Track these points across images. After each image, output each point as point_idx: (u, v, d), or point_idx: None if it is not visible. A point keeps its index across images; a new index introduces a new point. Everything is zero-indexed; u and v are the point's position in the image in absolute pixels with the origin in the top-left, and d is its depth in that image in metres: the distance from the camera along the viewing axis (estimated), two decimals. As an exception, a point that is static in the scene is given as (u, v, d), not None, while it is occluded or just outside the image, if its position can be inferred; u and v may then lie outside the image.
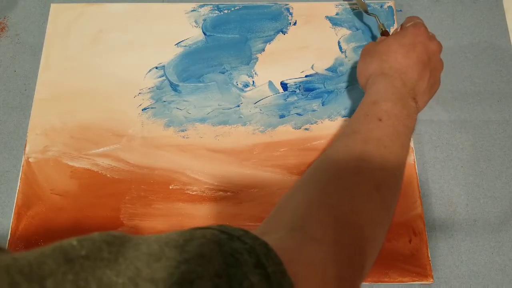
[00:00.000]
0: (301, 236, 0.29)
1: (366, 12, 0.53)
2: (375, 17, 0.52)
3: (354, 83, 0.54)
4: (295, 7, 0.57)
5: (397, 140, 0.37)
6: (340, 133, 0.40)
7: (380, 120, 0.37)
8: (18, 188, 0.49)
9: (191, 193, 0.49)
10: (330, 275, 0.28)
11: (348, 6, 0.57)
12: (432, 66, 0.42)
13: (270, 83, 0.54)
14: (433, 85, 0.44)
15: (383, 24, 0.51)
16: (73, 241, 0.21)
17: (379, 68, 0.42)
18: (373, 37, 0.56)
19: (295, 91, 0.53)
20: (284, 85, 0.54)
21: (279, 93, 0.53)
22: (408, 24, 0.45)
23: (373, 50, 0.44)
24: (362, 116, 0.39)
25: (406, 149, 0.38)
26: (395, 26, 0.56)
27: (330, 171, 0.36)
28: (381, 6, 0.57)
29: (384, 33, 0.51)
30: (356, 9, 0.57)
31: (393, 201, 0.36)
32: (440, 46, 0.44)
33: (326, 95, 0.53)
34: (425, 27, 0.44)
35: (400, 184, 0.37)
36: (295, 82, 0.54)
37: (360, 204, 0.33)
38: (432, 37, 0.44)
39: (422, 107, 0.44)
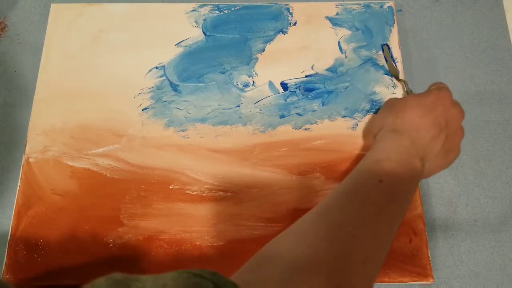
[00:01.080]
0: None
1: (397, 78, 0.52)
2: (404, 82, 0.52)
3: (354, 83, 0.54)
4: (295, 7, 0.57)
5: (393, 205, 0.36)
6: (339, 186, 0.38)
7: (380, 181, 0.36)
8: (18, 188, 0.49)
9: (191, 193, 0.49)
10: None
11: (348, 6, 0.57)
12: (449, 132, 0.41)
13: (270, 83, 0.54)
14: (449, 152, 0.42)
15: (411, 90, 0.51)
16: None
17: (392, 123, 0.41)
18: (373, 37, 0.56)
19: (295, 91, 0.53)
20: (284, 85, 0.54)
21: (279, 93, 0.53)
22: (433, 87, 0.44)
23: (392, 104, 0.44)
24: (364, 173, 0.38)
25: (401, 215, 0.37)
26: (395, 26, 0.56)
27: (322, 230, 0.34)
28: (381, 6, 0.57)
29: None
30: (357, 9, 0.57)
31: (375, 274, 0.35)
32: (462, 113, 0.42)
33: (326, 95, 0.53)
34: (449, 92, 0.43)
35: (386, 255, 0.36)
36: (295, 82, 0.54)
37: (348, 277, 0.32)
38: (455, 103, 0.43)
39: (432, 172, 0.42)
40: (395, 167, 0.37)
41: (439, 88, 0.43)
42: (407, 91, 0.50)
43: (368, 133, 0.49)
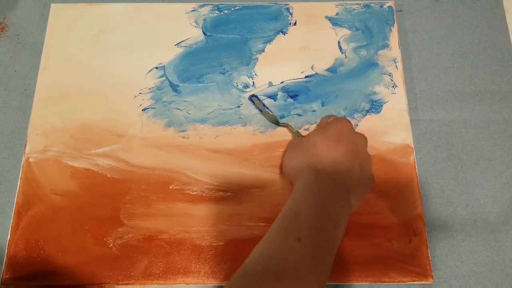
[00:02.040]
0: None
1: (277, 123, 0.50)
2: (287, 127, 0.49)
3: (354, 83, 0.54)
4: (295, 7, 0.57)
5: (315, 266, 0.32)
6: (257, 247, 0.34)
7: (298, 240, 0.32)
8: (18, 188, 0.49)
9: (191, 193, 0.49)
10: None
11: (348, 6, 0.57)
12: (361, 159, 0.40)
13: (270, 84, 0.54)
14: (366, 178, 0.41)
15: (297, 131, 0.49)
16: None
17: (307, 162, 0.39)
18: (373, 37, 0.56)
19: (295, 92, 0.53)
20: (284, 86, 0.54)
21: (279, 93, 0.53)
22: (330, 119, 0.43)
23: (298, 144, 0.42)
24: (281, 232, 0.34)
25: (326, 274, 0.34)
26: (395, 26, 0.56)
27: None
28: (381, 6, 0.57)
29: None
30: (357, 9, 0.57)
31: None
32: (364, 138, 0.42)
33: (326, 95, 0.53)
34: (348, 122, 0.42)
35: None
36: (295, 82, 0.54)
37: None
38: (355, 131, 0.42)
39: (358, 203, 0.40)
40: (316, 219, 0.34)
41: (336, 120, 0.42)
42: (296, 134, 0.48)
43: (283, 177, 0.45)
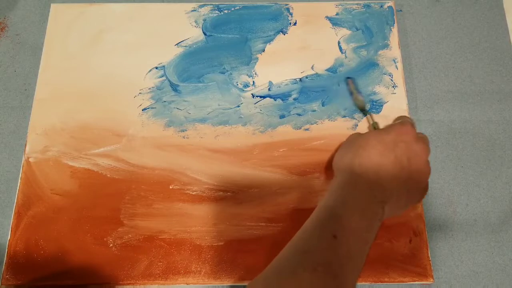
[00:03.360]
0: None
1: (363, 110, 0.49)
2: (369, 114, 0.49)
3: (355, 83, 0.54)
4: (295, 7, 0.57)
5: (348, 264, 0.33)
6: (291, 243, 0.34)
7: (334, 237, 0.33)
8: (18, 188, 0.49)
9: (191, 193, 0.49)
10: None
11: (348, 6, 0.57)
12: (413, 169, 0.38)
13: (270, 84, 0.54)
14: (413, 191, 0.39)
15: (376, 123, 0.48)
16: None
17: (350, 163, 0.38)
18: (373, 37, 0.56)
19: (295, 92, 0.53)
20: (284, 86, 0.54)
21: (279, 93, 0.53)
22: (397, 122, 0.42)
23: (353, 141, 0.41)
24: (317, 229, 0.35)
25: (357, 273, 0.35)
26: (395, 26, 0.56)
27: None
28: (381, 6, 0.57)
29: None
30: (356, 9, 0.57)
31: None
32: (427, 149, 0.40)
33: (326, 95, 0.53)
34: (413, 127, 0.40)
35: None
36: (295, 82, 0.54)
37: None
38: (420, 139, 0.40)
39: (395, 213, 0.39)
40: (350, 217, 0.34)
41: (402, 123, 0.41)
42: (372, 124, 0.48)
43: (333, 168, 0.44)
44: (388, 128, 0.41)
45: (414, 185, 0.39)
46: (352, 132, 0.51)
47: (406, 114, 0.52)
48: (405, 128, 0.40)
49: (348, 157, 0.39)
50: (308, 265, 0.32)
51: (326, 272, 0.31)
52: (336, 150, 0.45)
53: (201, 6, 0.57)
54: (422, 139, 0.40)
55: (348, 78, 0.48)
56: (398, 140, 0.39)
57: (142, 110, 0.52)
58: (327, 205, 0.36)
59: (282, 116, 0.52)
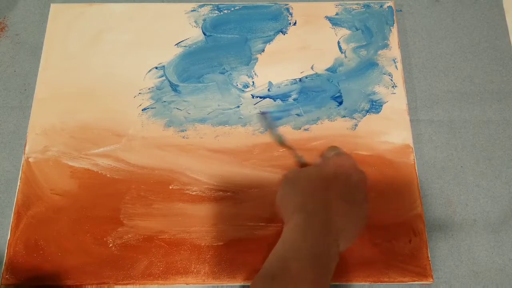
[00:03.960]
0: None
1: (282, 144, 0.47)
2: (291, 149, 0.47)
3: (354, 83, 0.54)
4: (295, 7, 0.57)
5: None
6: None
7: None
8: (18, 188, 0.49)
9: (191, 193, 0.49)
10: None
11: (348, 6, 0.57)
12: (356, 198, 0.39)
13: (270, 84, 0.54)
14: (361, 218, 0.39)
15: (301, 156, 0.46)
16: None
17: (297, 204, 0.37)
18: (373, 37, 0.56)
19: (295, 92, 0.53)
20: (283, 86, 0.54)
21: (279, 93, 0.53)
22: (331, 154, 0.42)
23: (295, 179, 0.40)
24: (268, 278, 0.33)
25: None
26: (395, 26, 0.56)
27: None
28: (380, 6, 0.57)
29: (303, 166, 0.46)
30: (356, 9, 0.57)
31: None
32: (364, 176, 0.40)
33: (326, 95, 0.53)
34: (349, 156, 0.40)
35: None
36: (294, 82, 0.54)
37: None
38: (355, 165, 0.40)
39: (346, 247, 0.38)
40: (304, 268, 0.33)
41: (337, 154, 0.41)
42: (297, 158, 0.46)
43: (277, 211, 0.42)
44: (325, 161, 0.40)
45: (360, 213, 0.39)
46: (351, 131, 0.51)
47: (406, 114, 0.52)
48: (342, 160, 0.40)
49: (295, 199, 0.38)
50: None
51: None
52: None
53: (201, 6, 0.57)
54: (356, 165, 0.41)
55: (263, 112, 0.45)
56: (338, 173, 0.39)
57: (142, 110, 0.52)
58: (279, 255, 0.34)
59: (281, 117, 0.52)
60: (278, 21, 0.57)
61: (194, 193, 0.49)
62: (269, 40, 0.56)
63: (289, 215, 0.37)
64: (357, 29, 0.56)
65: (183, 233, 0.47)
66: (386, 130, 0.51)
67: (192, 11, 0.57)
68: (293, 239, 0.35)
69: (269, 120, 0.44)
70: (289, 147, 0.45)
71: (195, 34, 0.56)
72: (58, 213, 0.48)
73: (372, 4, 0.57)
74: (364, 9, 0.57)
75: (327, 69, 0.54)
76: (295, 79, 0.54)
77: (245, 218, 0.48)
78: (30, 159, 0.50)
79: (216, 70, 0.54)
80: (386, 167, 0.50)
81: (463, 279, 0.47)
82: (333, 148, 0.42)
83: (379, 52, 0.55)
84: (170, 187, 0.49)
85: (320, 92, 0.53)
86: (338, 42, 0.56)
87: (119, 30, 0.56)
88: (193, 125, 0.52)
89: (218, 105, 0.53)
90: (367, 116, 0.52)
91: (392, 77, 0.54)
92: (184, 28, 0.56)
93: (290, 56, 0.55)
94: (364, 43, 0.56)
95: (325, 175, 0.38)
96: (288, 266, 0.33)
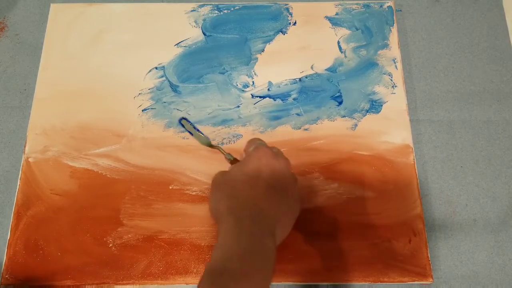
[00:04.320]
0: None
1: (210, 145, 0.46)
2: (218, 149, 0.46)
3: (354, 83, 0.54)
4: (295, 7, 0.57)
5: None
6: None
7: None
8: (18, 188, 0.49)
9: (191, 193, 0.49)
10: None
11: (348, 6, 0.57)
12: (284, 186, 0.38)
13: (270, 84, 0.54)
14: (293, 204, 0.40)
15: (229, 154, 0.45)
16: None
17: (227, 207, 0.37)
18: (373, 37, 0.56)
19: (295, 92, 0.53)
20: (283, 86, 0.54)
21: (278, 93, 0.53)
22: (250, 149, 0.41)
23: (220, 183, 0.40)
24: (209, 285, 0.33)
25: None
26: (395, 26, 0.56)
27: None
28: (380, 6, 0.57)
29: (233, 162, 0.45)
30: (356, 9, 0.57)
31: None
32: (286, 161, 0.40)
33: (326, 95, 0.53)
34: (267, 147, 0.40)
35: None
36: (294, 82, 0.54)
37: None
38: (277, 154, 0.40)
39: (285, 235, 0.39)
40: (242, 267, 0.33)
41: (256, 148, 0.40)
42: (227, 157, 0.46)
43: (212, 217, 0.42)
44: (246, 158, 0.40)
45: (291, 198, 0.39)
46: (351, 131, 0.51)
47: (406, 114, 0.52)
48: (262, 151, 0.39)
49: (224, 201, 0.38)
50: None
51: None
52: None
53: (200, 6, 0.57)
54: (278, 154, 0.40)
55: (182, 119, 0.45)
56: (259, 166, 0.38)
57: (142, 110, 0.52)
58: (215, 260, 0.34)
59: (281, 116, 0.52)
60: (278, 21, 0.57)
61: (194, 193, 0.49)
62: (269, 40, 0.56)
63: (220, 219, 0.37)
64: (357, 29, 0.56)
65: (183, 233, 0.47)
66: (386, 130, 0.51)
67: (192, 11, 0.57)
68: (227, 244, 0.35)
69: (190, 125, 0.44)
70: (217, 147, 0.45)
71: (195, 34, 0.56)
72: (58, 213, 0.48)
73: (372, 4, 0.57)
74: (364, 9, 0.57)
75: (327, 69, 0.54)
76: (295, 79, 0.54)
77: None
78: (30, 159, 0.50)
79: (216, 70, 0.54)
80: (386, 167, 0.50)
81: (463, 279, 0.47)
82: (253, 141, 0.42)
83: (379, 52, 0.55)
84: (170, 187, 0.49)
85: (320, 92, 0.53)
86: (338, 42, 0.56)
87: (119, 30, 0.56)
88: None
89: (218, 105, 0.53)
90: (367, 116, 0.52)
91: (392, 77, 0.54)
92: (184, 28, 0.56)
93: (290, 56, 0.55)
94: (364, 43, 0.56)
95: (248, 171, 0.38)
96: (225, 269, 0.33)
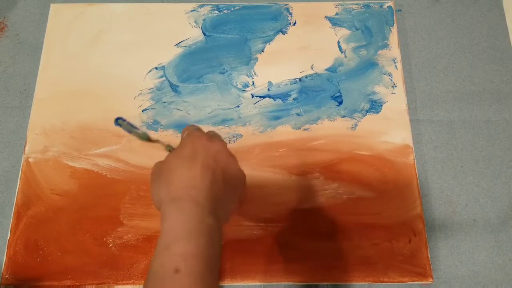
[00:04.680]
0: None
1: (149, 140, 0.45)
2: (158, 142, 0.45)
3: (354, 83, 0.54)
4: (295, 7, 0.57)
5: (201, 286, 0.33)
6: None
7: (177, 271, 0.33)
8: (18, 188, 0.49)
9: (191, 193, 0.49)
10: None
11: (348, 6, 0.57)
12: (222, 166, 0.39)
13: (270, 84, 0.54)
14: (234, 183, 0.40)
15: (168, 145, 0.44)
16: None
17: (167, 192, 0.37)
18: (373, 37, 0.56)
19: (295, 92, 0.53)
20: (283, 86, 0.54)
21: (278, 93, 0.53)
22: (184, 135, 0.42)
23: (158, 172, 0.40)
24: (158, 269, 0.34)
25: (215, 286, 0.35)
26: (395, 26, 0.56)
27: None
28: (380, 6, 0.57)
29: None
30: (356, 9, 0.57)
31: None
32: (222, 143, 0.40)
33: (326, 95, 0.53)
34: (200, 130, 0.41)
35: None
36: (294, 82, 0.54)
37: None
38: (212, 136, 0.40)
39: (230, 212, 0.39)
40: (186, 244, 0.34)
41: (189, 133, 0.41)
42: (167, 148, 0.45)
43: (154, 205, 0.42)
44: (181, 143, 0.40)
45: (231, 177, 0.39)
46: (351, 131, 0.51)
47: (406, 114, 0.52)
48: (195, 135, 0.40)
49: (163, 189, 0.38)
50: None
51: None
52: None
53: (200, 6, 0.57)
54: (215, 137, 0.41)
55: (118, 119, 0.44)
56: (195, 148, 0.38)
57: (142, 111, 0.52)
58: (162, 243, 0.35)
59: (281, 116, 0.52)
60: (278, 21, 0.57)
61: (194, 193, 0.49)
62: (269, 40, 0.56)
63: (162, 207, 0.38)
64: (357, 29, 0.56)
65: (183, 233, 0.47)
66: (386, 130, 0.51)
67: (192, 11, 0.57)
68: (170, 225, 0.36)
69: (126, 124, 0.44)
70: (156, 141, 0.45)
71: (195, 34, 0.56)
72: (58, 213, 0.48)
73: (372, 4, 0.57)
74: (364, 9, 0.57)
75: (327, 69, 0.54)
76: (295, 79, 0.54)
77: (244, 218, 0.48)
78: (30, 159, 0.50)
79: (216, 70, 0.54)
80: (386, 167, 0.50)
81: (463, 279, 0.47)
82: (186, 128, 0.42)
83: (379, 52, 0.55)
84: (170, 187, 0.49)
85: (320, 91, 0.53)
86: (338, 42, 0.56)
87: (119, 30, 0.56)
88: (193, 125, 0.52)
89: (218, 105, 0.53)
90: (367, 116, 0.52)
91: (392, 77, 0.54)
92: (184, 28, 0.56)
93: (290, 56, 0.55)
94: (364, 43, 0.56)
95: (183, 155, 0.38)
96: (171, 249, 0.34)
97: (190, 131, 0.41)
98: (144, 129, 0.51)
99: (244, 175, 0.40)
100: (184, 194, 0.36)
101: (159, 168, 0.40)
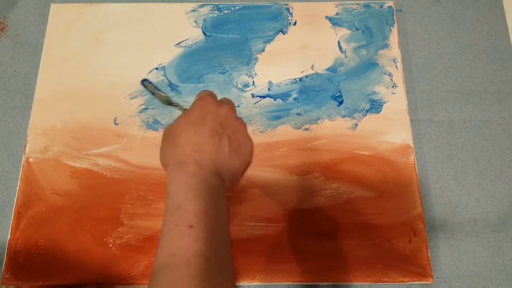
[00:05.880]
0: None
1: (170, 103, 0.46)
2: (177, 106, 0.46)
3: (354, 83, 0.54)
4: (295, 7, 0.57)
5: (214, 241, 0.35)
6: (158, 250, 0.36)
7: (191, 226, 0.34)
8: (18, 188, 0.49)
9: (191, 193, 0.49)
10: None
11: (348, 6, 0.57)
12: (229, 132, 0.39)
13: (270, 83, 0.54)
14: (240, 148, 0.40)
15: (185, 109, 0.45)
16: None
17: (173, 155, 0.39)
18: (373, 37, 0.56)
19: (295, 92, 0.53)
20: (284, 85, 0.54)
21: (279, 93, 0.53)
22: (196, 98, 0.42)
23: (167, 134, 0.41)
24: (172, 227, 0.35)
25: (227, 245, 0.37)
26: (395, 26, 0.56)
27: None
28: (381, 6, 0.57)
29: None
30: (356, 9, 0.57)
31: None
32: (230, 108, 0.41)
33: (326, 95, 0.53)
34: (211, 97, 0.41)
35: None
36: (295, 82, 0.54)
37: None
38: (221, 103, 0.41)
39: (237, 177, 0.40)
40: (196, 202, 0.35)
41: (200, 97, 0.41)
42: (183, 112, 0.44)
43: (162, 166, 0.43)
44: (191, 107, 0.41)
45: (237, 143, 0.40)
46: (351, 131, 0.51)
47: (406, 114, 0.52)
48: (205, 100, 0.41)
49: (170, 151, 0.39)
50: (181, 263, 0.33)
51: (198, 261, 0.33)
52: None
53: (201, 6, 0.57)
54: (225, 102, 0.41)
55: (144, 80, 0.46)
56: (204, 113, 0.39)
57: (142, 110, 0.52)
58: (171, 204, 0.37)
59: (281, 116, 0.52)
60: (278, 21, 0.57)
61: (194, 193, 0.49)
62: (269, 40, 0.56)
63: (168, 167, 0.39)
64: (357, 29, 0.56)
65: (183, 233, 0.47)
66: (386, 130, 0.51)
67: (192, 11, 0.57)
68: (177, 186, 0.37)
69: (152, 86, 0.45)
70: (176, 105, 0.45)
71: (195, 34, 0.56)
72: (58, 213, 0.48)
73: (372, 4, 0.57)
74: (364, 9, 0.57)
75: (327, 69, 0.54)
76: (295, 79, 0.54)
77: (245, 218, 0.48)
78: (30, 159, 0.50)
79: (216, 70, 0.54)
80: (386, 167, 0.50)
81: (463, 279, 0.47)
82: (200, 93, 0.43)
83: (379, 52, 0.55)
84: (170, 187, 0.49)
85: (320, 91, 0.53)
86: (338, 42, 0.56)
87: (119, 30, 0.56)
88: (193, 125, 0.52)
89: (218, 105, 0.53)
90: (367, 116, 0.52)
91: (392, 77, 0.54)
92: (184, 28, 0.56)
93: (290, 55, 0.55)
94: (364, 43, 0.56)
95: (192, 119, 0.39)
96: (182, 207, 0.35)
97: (202, 95, 0.41)
98: (144, 129, 0.51)
99: (251, 142, 0.41)
100: (189, 158, 0.37)
101: (168, 130, 0.41)
